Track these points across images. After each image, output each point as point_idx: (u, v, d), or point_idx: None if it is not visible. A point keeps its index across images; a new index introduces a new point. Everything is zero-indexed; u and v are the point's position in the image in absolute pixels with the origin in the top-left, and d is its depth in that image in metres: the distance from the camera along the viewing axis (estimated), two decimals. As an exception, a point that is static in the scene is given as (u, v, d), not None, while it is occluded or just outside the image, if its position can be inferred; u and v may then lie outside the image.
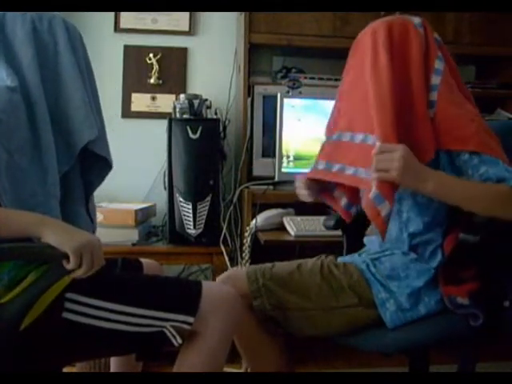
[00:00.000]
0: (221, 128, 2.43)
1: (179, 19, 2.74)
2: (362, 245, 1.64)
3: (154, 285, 1.34)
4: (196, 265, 2.70)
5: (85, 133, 1.37)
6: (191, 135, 2.28)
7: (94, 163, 1.45)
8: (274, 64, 2.76)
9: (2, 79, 1.29)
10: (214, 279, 1.98)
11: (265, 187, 2.34)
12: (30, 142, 1.29)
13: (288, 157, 2.33)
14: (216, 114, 2.51)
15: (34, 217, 1.20)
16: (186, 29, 2.75)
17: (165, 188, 2.37)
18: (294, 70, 2.64)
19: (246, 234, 2.23)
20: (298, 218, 2.19)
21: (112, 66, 2.72)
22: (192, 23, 2.75)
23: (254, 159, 2.48)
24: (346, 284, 1.45)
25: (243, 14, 2.45)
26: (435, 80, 1.39)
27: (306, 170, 1.60)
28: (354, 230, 1.73)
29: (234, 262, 2.36)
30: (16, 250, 1.18)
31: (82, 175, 1.44)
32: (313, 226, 2.12)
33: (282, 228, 2.21)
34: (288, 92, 2.36)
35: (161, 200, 2.52)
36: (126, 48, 2.74)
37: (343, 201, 1.55)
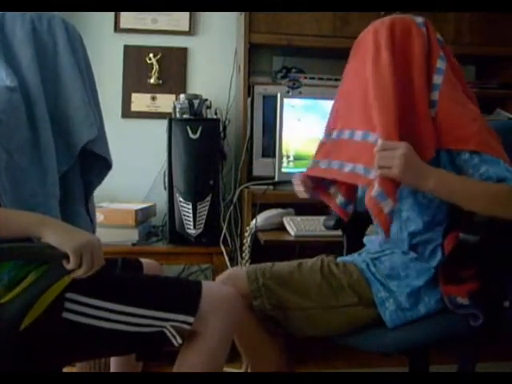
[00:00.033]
0: (221, 128, 2.43)
1: (179, 19, 2.74)
2: (362, 245, 1.64)
3: (153, 285, 1.34)
4: (196, 265, 2.70)
5: (84, 133, 1.37)
6: (191, 135, 2.28)
7: (93, 163, 1.46)
8: (274, 64, 2.76)
9: (1, 79, 1.28)
10: (213, 279, 1.97)
11: (265, 187, 2.34)
12: (30, 142, 1.29)
13: (288, 157, 2.33)
14: (216, 114, 2.51)
15: (33, 217, 1.20)
16: (186, 29, 2.75)
17: (165, 188, 2.37)
18: (294, 70, 2.64)
19: (246, 234, 2.23)
20: (298, 218, 2.19)
21: (112, 66, 2.72)
22: (192, 23, 2.75)
23: (254, 159, 2.48)
24: (345, 283, 1.45)
25: (243, 14, 2.45)
26: (437, 79, 1.40)
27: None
28: (354, 230, 1.73)
29: (234, 261, 2.36)
30: (16, 249, 1.18)
31: (82, 175, 1.44)
32: (313, 226, 2.12)
33: (282, 228, 2.21)
34: (288, 92, 2.35)
35: (161, 200, 2.52)
36: (126, 48, 2.74)
37: (339, 199, 1.55)
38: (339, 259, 1.57)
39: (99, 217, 2.20)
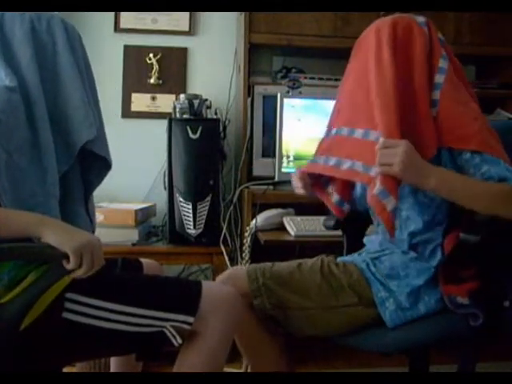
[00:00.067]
0: (221, 128, 2.43)
1: (179, 19, 2.74)
2: (362, 245, 1.64)
3: (153, 285, 1.34)
4: (196, 265, 2.70)
5: (84, 132, 1.37)
6: (191, 135, 2.28)
7: (93, 163, 1.45)
8: (274, 64, 2.76)
9: (0, 79, 1.28)
10: (213, 279, 1.98)
11: (265, 187, 2.34)
12: (29, 142, 1.29)
13: (288, 157, 2.33)
14: (216, 114, 2.51)
15: (33, 217, 1.20)
16: (186, 29, 2.75)
17: (165, 188, 2.37)
18: (294, 70, 2.64)
19: (246, 234, 2.23)
20: (298, 218, 2.18)
21: (112, 66, 2.72)
22: (192, 23, 2.75)
23: (254, 159, 2.48)
24: (345, 283, 1.45)
25: (243, 14, 2.45)
26: (439, 79, 1.40)
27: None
28: (354, 230, 1.73)
29: (233, 261, 2.36)
30: (16, 249, 1.18)
31: (82, 175, 1.44)
32: (313, 226, 2.12)
33: (282, 228, 2.21)
34: (288, 92, 2.36)
35: (161, 200, 2.52)
36: (126, 48, 2.74)
37: (335, 197, 1.55)
38: (339, 259, 1.57)
39: (99, 217, 2.20)
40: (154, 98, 2.75)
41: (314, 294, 1.45)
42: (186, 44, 2.78)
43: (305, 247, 2.25)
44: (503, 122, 2.45)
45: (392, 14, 1.48)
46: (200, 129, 2.28)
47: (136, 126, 2.75)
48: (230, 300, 1.35)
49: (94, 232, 1.47)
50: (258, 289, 1.47)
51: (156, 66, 2.73)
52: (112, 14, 2.71)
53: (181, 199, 2.29)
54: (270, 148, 2.38)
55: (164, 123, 2.34)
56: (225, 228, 2.36)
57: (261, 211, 2.26)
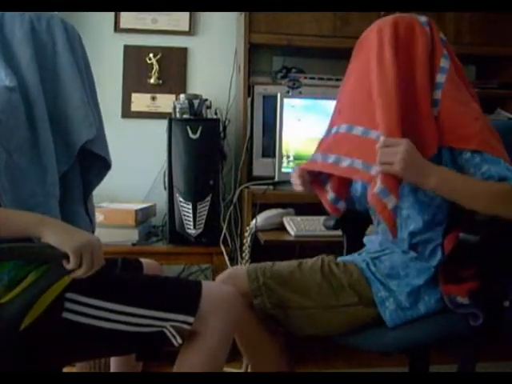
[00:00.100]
0: (221, 128, 2.43)
1: (179, 19, 2.74)
2: (362, 245, 1.64)
3: (153, 285, 1.34)
4: (196, 265, 2.70)
5: (83, 132, 1.37)
6: (191, 135, 2.28)
7: (92, 163, 1.45)
8: (274, 64, 2.76)
9: (0, 79, 1.28)
10: (213, 279, 1.97)
11: (265, 187, 2.34)
12: (29, 142, 1.29)
13: (288, 157, 2.33)
14: (216, 114, 2.51)
15: (33, 217, 1.20)
16: (186, 29, 2.75)
17: (165, 188, 2.37)
18: (294, 70, 2.64)
19: (246, 234, 2.23)
20: (298, 218, 2.18)
21: (112, 66, 2.72)
22: (192, 23, 2.75)
23: (254, 159, 2.48)
24: (346, 283, 1.45)
25: (243, 14, 2.45)
26: (440, 78, 1.40)
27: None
28: (354, 230, 1.73)
29: (233, 261, 2.36)
30: (16, 249, 1.18)
31: (81, 175, 1.44)
32: (313, 226, 2.12)
33: (282, 228, 2.21)
34: (288, 92, 2.36)
35: (161, 200, 2.52)
36: (126, 48, 2.74)
37: (330, 194, 1.55)
38: (339, 259, 1.57)
39: (99, 217, 2.20)
40: (153, 98, 2.75)
41: (315, 293, 1.45)
42: (186, 44, 2.78)
43: (305, 247, 2.25)
44: (503, 121, 2.45)
45: (392, 14, 1.48)
46: (200, 129, 2.28)
47: (136, 126, 2.75)
48: (230, 300, 1.35)
49: (93, 232, 1.47)
50: (259, 288, 1.47)
51: (156, 66, 2.73)
52: (112, 14, 2.71)
53: (181, 199, 2.29)
54: (270, 148, 2.38)
55: (164, 123, 2.35)
56: (225, 228, 2.36)
57: (261, 211, 2.26)
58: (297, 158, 2.33)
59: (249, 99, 2.48)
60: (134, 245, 2.31)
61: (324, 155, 1.47)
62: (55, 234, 1.16)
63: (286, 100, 2.30)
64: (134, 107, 2.75)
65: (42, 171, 1.29)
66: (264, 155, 2.47)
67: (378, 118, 1.35)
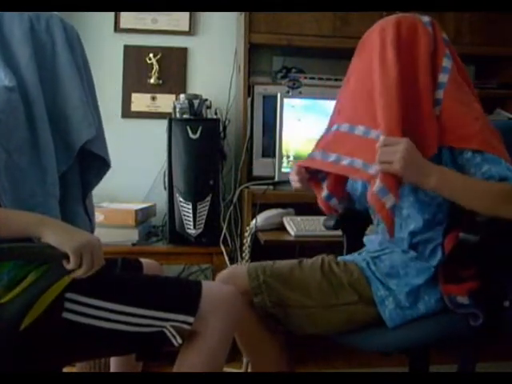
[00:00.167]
0: (221, 128, 2.43)
1: (179, 19, 2.74)
2: (362, 245, 1.64)
3: (153, 285, 1.34)
4: (196, 265, 2.70)
5: (83, 132, 1.37)
6: (191, 135, 2.28)
7: (91, 163, 1.45)
8: (274, 64, 2.76)
9: (0, 79, 1.28)
10: (213, 279, 1.97)
11: (265, 187, 2.34)
12: (29, 142, 1.29)
13: (288, 157, 2.33)
14: (216, 114, 2.51)
15: (33, 217, 1.20)
16: (186, 29, 2.75)
17: (165, 188, 2.37)
18: (294, 70, 2.64)
19: (246, 234, 2.23)
20: (298, 218, 2.18)
21: (112, 66, 2.72)
22: (192, 23, 2.75)
23: (254, 159, 2.48)
24: (346, 281, 1.45)
25: (243, 14, 2.45)
26: (442, 78, 1.40)
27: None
28: (354, 229, 1.73)
29: (233, 261, 2.36)
30: (16, 249, 1.18)
31: (80, 175, 1.44)
32: (313, 226, 2.12)
33: (282, 228, 2.21)
34: (288, 92, 2.36)
35: (161, 200, 2.52)
36: (126, 48, 2.74)
37: (324, 192, 1.55)
38: (339, 258, 1.57)
39: (99, 217, 2.20)
40: (153, 98, 2.75)
41: (314, 291, 1.45)
42: (186, 44, 2.78)
43: (305, 247, 2.25)
44: (503, 121, 2.45)
45: (393, 14, 1.48)
46: (200, 129, 2.28)
47: (136, 126, 2.75)
48: (229, 300, 1.35)
49: (93, 231, 1.47)
50: (259, 286, 1.47)
51: (156, 66, 2.73)
52: (112, 14, 2.71)
53: (181, 199, 2.29)
54: (270, 148, 2.38)
55: (164, 123, 2.35)
56: (225, 228, 2.36)
57: (261, 211, 2.26)
58: (297, 158, 2.33)
59: (249, 99, 2.48)
60: (134, 245, 2.31)
61: (324, 153, 1.47)
62: (55, 234, 1.16)
63: (285, 100, 2.30)
64: (134, 107, 2.75)
65: (42, 171, 1.29)
66: (264, 155, 2.47)
67: (378, 118, 1.36)
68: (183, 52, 2.78)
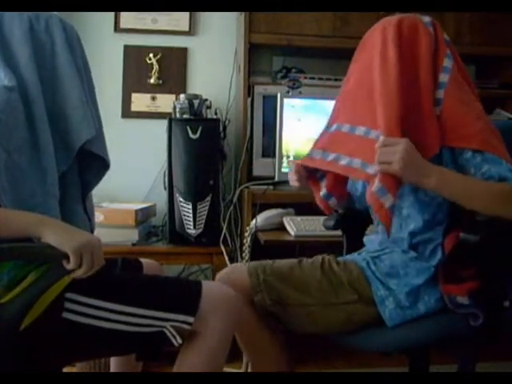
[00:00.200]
0: (221, 128, 2.43)
1: (179, 19, 2.74)
2: (362, 245, 1.64)
3: (153, 285, 1.34)
4: (196, 265, 2.70)
5: (82, 132, 1.37)
6: (191, 135, 2.28)
7: (91, 163, 1.45)
8: (274, 64, 2.76)
9: None
10: (213, 279, 1.98)
11: (265, 187, 2.34)
12: (29, 142, 1.29)
13: (288, 157, 2.33)
14: (216, 114, 2.51)
15: (33, 217, 1.20)
16: (186, 29, 2.75)
17: (165, 188, 2.37)
18: (294, 70, 2.64)
19: (246, 234, 2.23)
20: (298, 218, 2.18)
21: (112, 66, 2.72)
22: (192, 23, 2.75)
23: (254, 159, 2.48)
24: (345, 280, 1.45)
25: (243, 14, 2.45)
26: (443, 78, 1.40)
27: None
28: (354, 229, 1.73)
29: (233, 261, 2.36)
30: (16, 249, 1.18)
31: (80, 175, 1.44)
32: (313, 226, 2.12)
33: (282, 228, 2.21)
34: (288, 92, 2.36)
35: (161, 200, 2.52)
36: (126, 48, 2.74)
37: (322, 191, 1.55)
38: (339, 258, 1.57)
39: (99, 217, 2.20)
40: (153, 98, 2.75)
41: (314, 290, 1.45)
42: (186, 44, 2.78)
43: (305, 247, 2.25)
44: (503, 121, 2.45)
45: (392, 15, 1.48)
46: (200, 129, 2.28)
47: (136, 126, 2.75)
48: (229, 300, 1.35)
49: (92, 231, 1.47)
50: (259, 285, 1.47)
51: (156, 66, 2.73)
52: (112, 14, 2.71)
53: (181, 199, 2.29)
54: (270, 148, 2.38)
55: (164, 123, 2.35)
56: (225, 228, 2.36)
57: (261, 211, 2.26)
58: (297, 158, 2.32)
59: (249, 99, 2.48)
60: (133, 245, 2.31)
61: (324, 153, 1.48)
62: (55, 234, 1.16)
63: (285, 100, 2.30)
64: (134, 107, 2.75)
65: (42, 171, 1.29)
66: (264, 155, 2.47)
67: (378, 118, 1.36)
68: (183, 52, 2.78)
